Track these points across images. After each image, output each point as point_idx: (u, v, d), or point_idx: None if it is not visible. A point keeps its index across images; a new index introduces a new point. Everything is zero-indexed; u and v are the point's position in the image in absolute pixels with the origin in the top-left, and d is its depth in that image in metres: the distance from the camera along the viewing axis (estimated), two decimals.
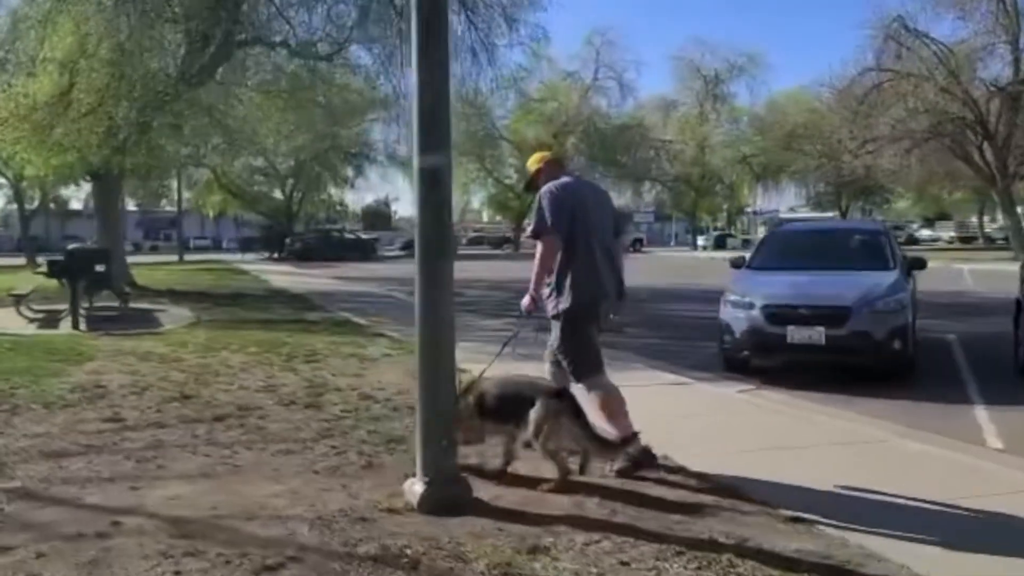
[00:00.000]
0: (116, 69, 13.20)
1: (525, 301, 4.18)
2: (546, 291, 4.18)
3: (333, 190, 42.40)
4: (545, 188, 4.22)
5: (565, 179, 4.32)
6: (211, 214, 48.09)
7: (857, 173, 28.31)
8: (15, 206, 49.79)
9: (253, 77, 18.58)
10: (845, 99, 25.96)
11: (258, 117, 20.18)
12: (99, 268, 10.25)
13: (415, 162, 3.64)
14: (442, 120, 3.63)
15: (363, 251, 35.92)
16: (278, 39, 17.96)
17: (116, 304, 11.69)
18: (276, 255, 37.13)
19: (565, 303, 4.12)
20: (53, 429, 4.79)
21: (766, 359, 7.02)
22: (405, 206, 57.61)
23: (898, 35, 23.50)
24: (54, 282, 11.40)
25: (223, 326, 10.25)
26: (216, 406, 5.46)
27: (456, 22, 18.25)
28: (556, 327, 4.21)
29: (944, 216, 57.83)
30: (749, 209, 64.67)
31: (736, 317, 7.05)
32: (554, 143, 41.91)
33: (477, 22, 17.84)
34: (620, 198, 52.63)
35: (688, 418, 5.48)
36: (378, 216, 65.59)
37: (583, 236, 4.15)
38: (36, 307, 11.29)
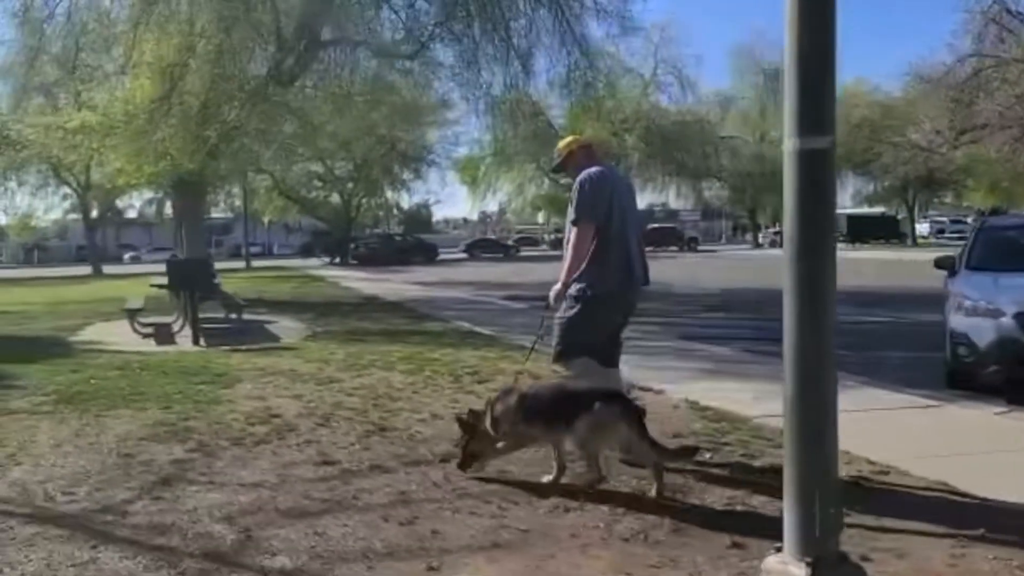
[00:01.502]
0: (220, 68, 12.68)
1: (556, 289, 4.20)
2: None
3: (390, 194, 42.06)
4: (585, 175, 4.22)
5: (600, 167, 4.33)
6: (266, 220, 48.12)
7: (956, 163, 26.90)
8: (73, 215, 50.54)
9: (334, 79, 18.08)
10: (937, 88, 24.64)
11: (337, 120, 19.73)
12: (215, 280, 9.62)
13: (787, 145, 2.84)
14: (826, 95, 2.84)
15: (426, 254, 35.43)
16: (359, 39, 17.47)
17: (223, 316, 11.16)
18: (338, 260, 36.84)
19: (595, 288, 4.12)
20: (267, 477, 4.09)
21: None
22: (445, 209, 56.78)
23: (1000, 18, 22.20)
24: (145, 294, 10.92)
25: (346, 339, 9.59)
26: (425, 441, 4.74)
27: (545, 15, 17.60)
28: (570, 304, 4.17)
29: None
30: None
31: (978, 326, 6.12)
32: (613, 142, 41.06)
33: (568, 15, 17.11)
34: (679, 197, 51.63)
35: (976, 455, 4.58)
36: (417, 219, 64.94)
37: (619, 225, 4.18)
38: (143, 321, 10.78)
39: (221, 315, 11.24)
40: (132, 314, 10.16)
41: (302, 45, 15.32)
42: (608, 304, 4.21)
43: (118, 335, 10.20)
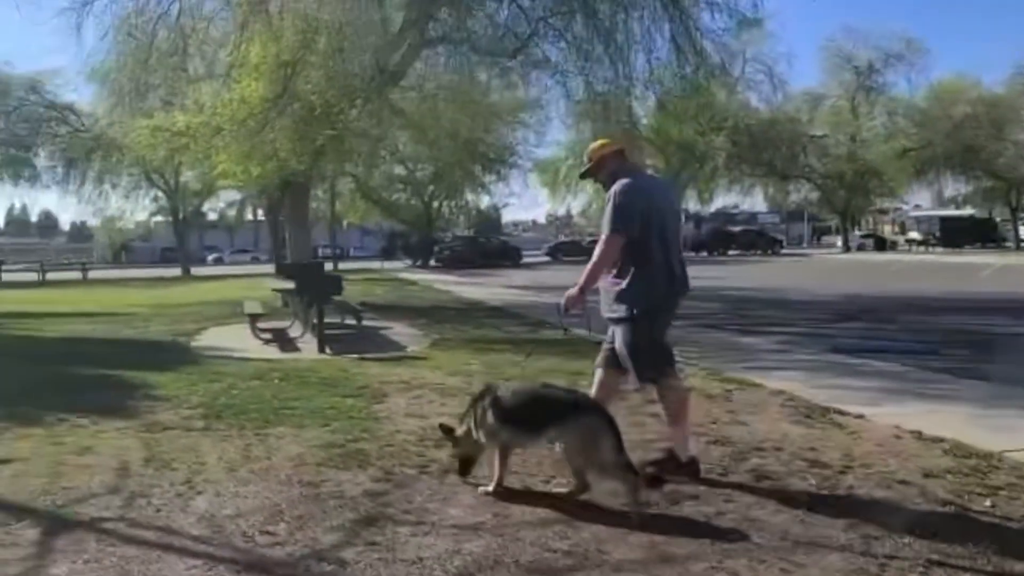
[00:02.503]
0: (332, 67, 12.40)
1: (572, 292, 4.13)
2: (613, 290, 4.13)
3: (470, 196, 41.80)
4: (618, 187, 4.12)
5: (632, 178, 4.20)
6: (345, 223, 48.45)
7: None
8: (157, 217, 51.87)
9: (435, 78, 17.77)
10: None
11: (432, 120, 19.40)
12: (334, 285, 9.26)
13: None
14: None
15: (511, 258, 34.99)
16: (461, 36, 17.05)
17: (339, 321, 10.81)
18: (422, 263, 36.74)
19: (642, 304, 4.06)
20: (481, 517, 3.57)
21: None
22: (514, 211, 55.86)
23: None
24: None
25: (474, 347, 9.11)
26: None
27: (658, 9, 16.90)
28: (626, 329, 4.10)
29: None
30: (899, 207, 60.52)
31: None
32: (700, 141, 39.98)
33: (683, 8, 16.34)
34: (766, 199, 50.03)
35: None
36: (487, 222, 64.36)
37: (657, 236, 4.09)
38: (263, 326, 10.53)
39: (336, 320, 10.91)
40: (253, 319, 9.88)
41: (407, 43, 14.97)
42: (657, 315, 4.17)
43: (238, 340, 9.96)
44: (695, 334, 10.61)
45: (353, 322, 10.30)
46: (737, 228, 49.96)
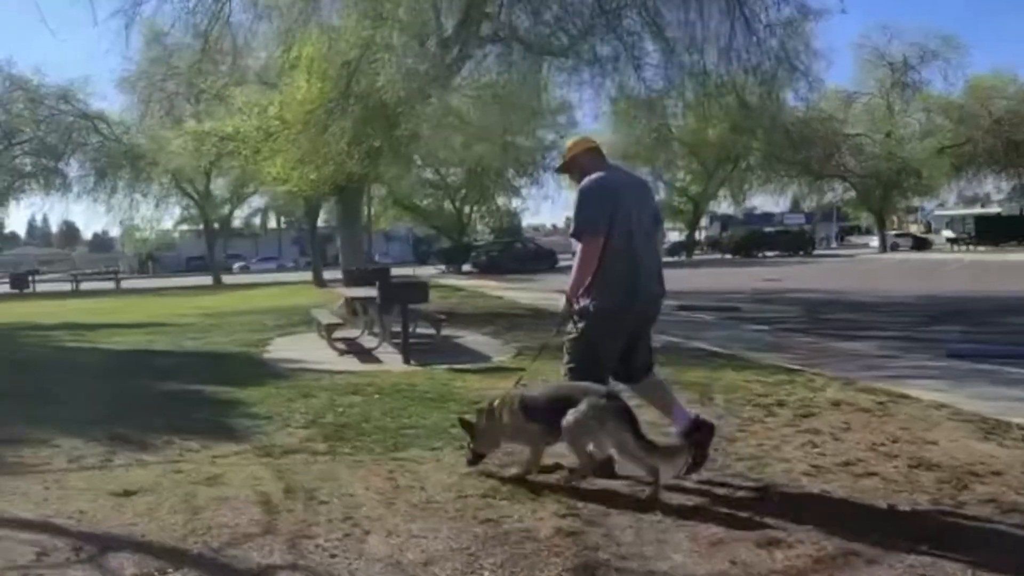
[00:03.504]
0: (393, 64, 11.96)
1: (562, 306, 4.14)
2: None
3: (501, 200, 41.29)
4: (584, 184, 4.07)
5: (602, 173, 4.11)
6: (374, 229, 48.09)
7: None
8: (183, 226, 51.78)
9: (485, 78, 17.29)
10: None
11: (476, 121, 18.92)
12: (420, 292, 8.78)
13: None
14: None
15: (546, 262, 34.46)
16: (507, 35, 16.58)
17: (412, 330, 10.33)
18: (456, 268, 36.31)
19: (595, 302, 4.00)
20: (719, 565, 3.03)
21: None
22: (531, 217, 54.85)
23: None
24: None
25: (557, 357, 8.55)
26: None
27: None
28: (577, 320, 4.07)
29: None
30: (929, 205, 59.52)
31: None
32: (736, 141, 39.34)
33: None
34: (803, 198, 49.24)
35: None
36: (507, 227, 63.50)
37: (624, 236, 3.99)
38: (337, 336, 10.07)
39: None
40: (329, 329, 9.42)
41: (462, 42, 14.52)
42: (611, 320, 4.04)
43: (311, 351, 9.51)
44: (787, 339, 10.08)
45: (430, 331, 9.82)
46: (772, 229, 49.13)
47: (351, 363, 8.64)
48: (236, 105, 15.53)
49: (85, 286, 34.85)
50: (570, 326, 4.14)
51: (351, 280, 11.14)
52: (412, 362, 8.39)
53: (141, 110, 37.15)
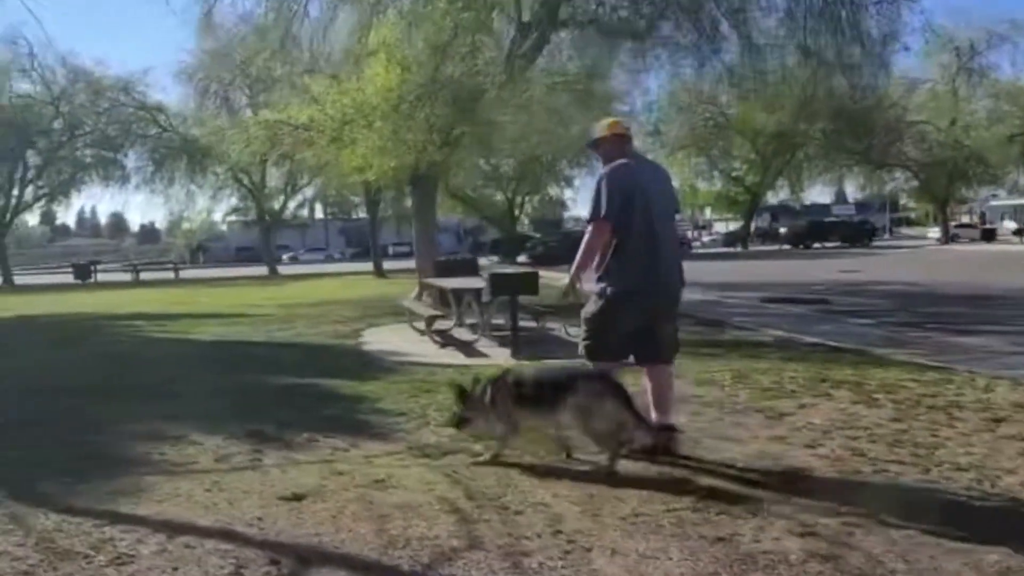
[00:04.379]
0: (476, 49, 11.64)
1: (564, 282, 4.35)
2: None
3: (554, 190, 40.81)
4: (605, 172, 4.19)
5: (624, 161, 4.19)
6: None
7: None
8: (232, 217, 52.24)
9: (555, 63, 16.89)
10: None
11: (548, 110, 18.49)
12: (530, 283, 8.42)
13: None
14: None
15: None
16: (587, 19, 16.14)
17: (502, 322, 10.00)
18: (511, 259, 35.97)
19: (612, 287, 4.13)
20: None
21: None
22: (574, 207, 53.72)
23: None
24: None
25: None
26: None
27: None
28: (594, 302, 4.21)
29: None
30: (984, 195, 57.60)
31: None
32: (795, 129, 38.32)
33: None
34: (861, 188, 48.00)
35: None
36: (548, 218, 62.71)
37: (644, 225, 4.07)
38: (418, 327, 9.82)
39: (499, 321, 10.10)
40: (431, 321, 9.13)
41: (540, 26, 14.13)
42: (627, 304, 4.13)
43: (407, 343, 9.27)
44: (900, 334, 9.54)
45: (529, 324, 9.48)
46: (833, 219, 47.90)
47: (456, 357, 8.34)
48: (311, 94, 15.30)
49: (143, 276, 35.19)
50: (590, 305, 4.28)
51: (441, 270, 10.83)
52: (521, 356, 8.05)
53: (198, 101, 37.51)
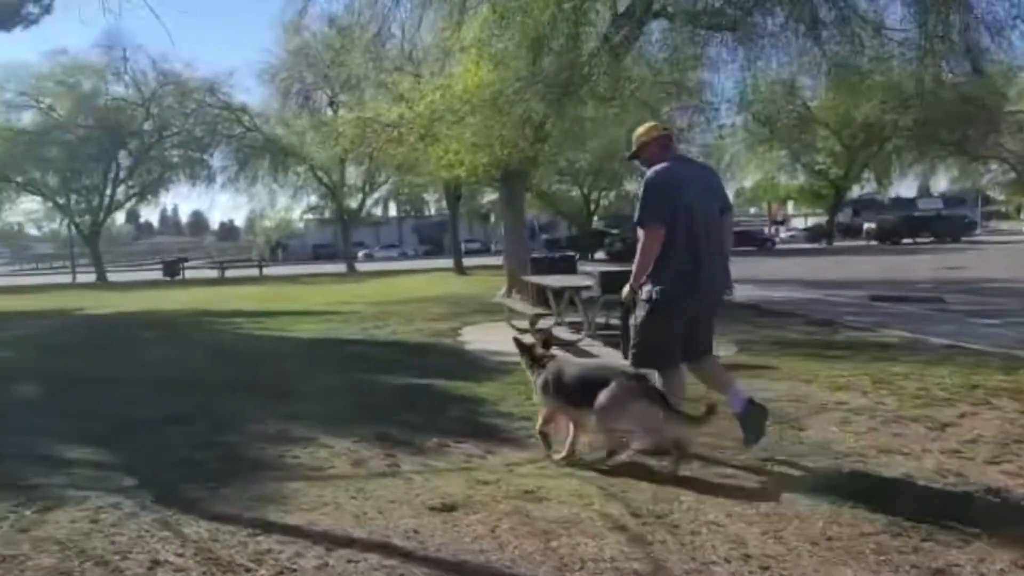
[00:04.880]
0: (570, 41, 11.37)
1: (625, 291, 4.40)
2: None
3: (630, 186, 40.08)
4: (649, 175, 4.20)
5: (667, 164, 4.20)
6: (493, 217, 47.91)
7: None
8: (309, 215, 53.22)
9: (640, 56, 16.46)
10: None
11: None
12: None
13: None
14: None
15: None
16: (678, 8, 15.66)
17: (603, 322, 9.73)
18: (588, 256, 35.63)
19: (657, 290, 4.15)
20: None
21: None
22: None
23: None
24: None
25: (800, 354, 7.74)
26: None
27: None
28: (642, 309, 4.25)
29: None
30: None
31: None
32: (885, 120, 36.73)
33: None
34: (954, 182, 45.90)
35: None
36: (619, 214, 61.37)
37: (686, 227, 4.09)
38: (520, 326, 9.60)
39: (600, 320, 9.82)
40: (535, 320, 8.92)
41: (634, 17, 13.76)
42: (672, 306, 4.17)
43: (507, 341, 9.00)
44: None
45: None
46: (927, 213, 45.82)
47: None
48: (399, 92, 15.32)
49: (228, 273, 36.16)
50: (637, 313, 4.30)
51: (539, 268, 10.61)
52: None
53: (280, 102, 38.30)
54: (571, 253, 15.79)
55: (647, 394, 3.95)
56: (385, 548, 3.22)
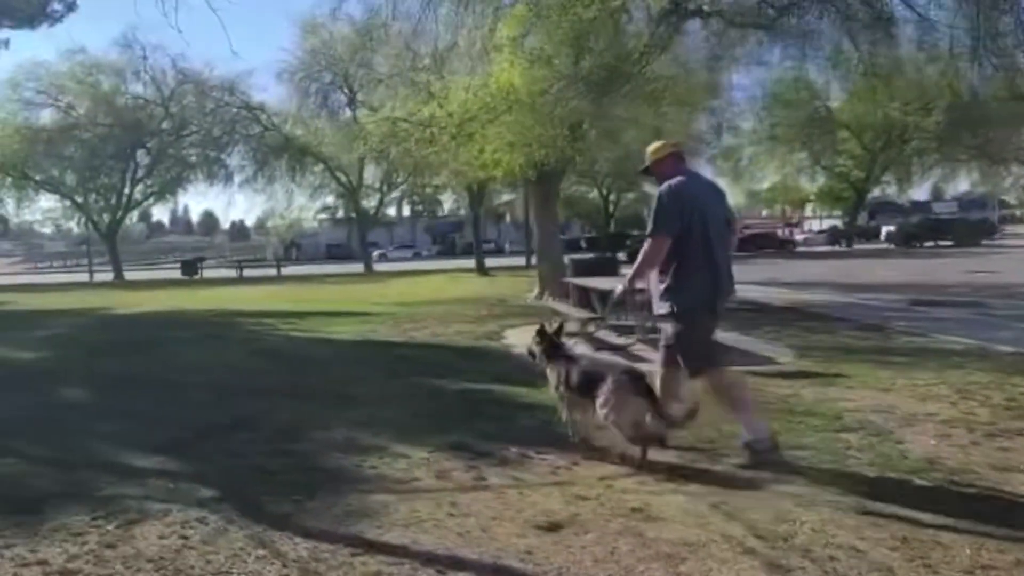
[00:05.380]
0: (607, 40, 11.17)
1: (617, 290, 4.78)
2: (659, 288, 4.41)
3: (651, 187, 39.83)
4: (664, 188, 4.33)
5: (682, 179, 4.35)
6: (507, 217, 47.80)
7: None
8: (323, 215, 53.04)
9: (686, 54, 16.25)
10: None
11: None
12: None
13: None
14: None
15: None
16: (714, 8, 15.44)
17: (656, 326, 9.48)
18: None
19: (685, 302, 4.30)
20: None
21: None
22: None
23: None
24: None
25: (865, 361, 7.48)
26: None
27: None
28: (672, 324, 4.39)
29: None
30: None
31: None
32: (907, 122, 36.37)
33: None
34: (974, 185, 45.44)
35: None
36: (630, 217, 61.03)
37: (701, 236, 4.26)
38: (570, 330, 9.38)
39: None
40: (585, 324, 8.72)
41: (671, 16, 13.52)
42: (697, 315, 4.33)
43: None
44: None
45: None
46: (950, 216, 45.30)
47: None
48: (430, 91, 15.13)
49: (246, 273, 36.05)
50: (669, 331, 4.45)
51: (580, 270, 10.40)
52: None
53: (298, 101, 38.20)
54: (610, 254, 15.58)
55: (638, 389, 4.15)
56: (498, 571, 3.03)
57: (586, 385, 4.40)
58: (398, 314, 13.24)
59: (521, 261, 38.53)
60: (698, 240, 4.24)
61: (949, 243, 38.12)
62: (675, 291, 4.33)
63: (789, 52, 16.98)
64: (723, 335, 9.60)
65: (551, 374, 4.72)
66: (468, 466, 4.38)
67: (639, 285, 4.58)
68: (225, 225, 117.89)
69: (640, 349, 8.55)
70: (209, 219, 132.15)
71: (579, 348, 4.83)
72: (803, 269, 25.28)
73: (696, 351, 4.35)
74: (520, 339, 9.61)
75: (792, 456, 4.39)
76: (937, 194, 69.21)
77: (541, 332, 4.89)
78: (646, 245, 4.36)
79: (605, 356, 5.42)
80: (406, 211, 74.04)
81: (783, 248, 39.53)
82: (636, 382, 4.21)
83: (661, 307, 4.45)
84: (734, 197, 58.25)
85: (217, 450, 4.80)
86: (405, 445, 4.79)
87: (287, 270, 39.19)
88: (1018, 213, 72.06)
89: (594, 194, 39.75)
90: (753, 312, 12.11)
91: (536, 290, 14.70)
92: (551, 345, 4.81)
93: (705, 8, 15.45)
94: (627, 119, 14.48)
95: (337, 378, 7.19)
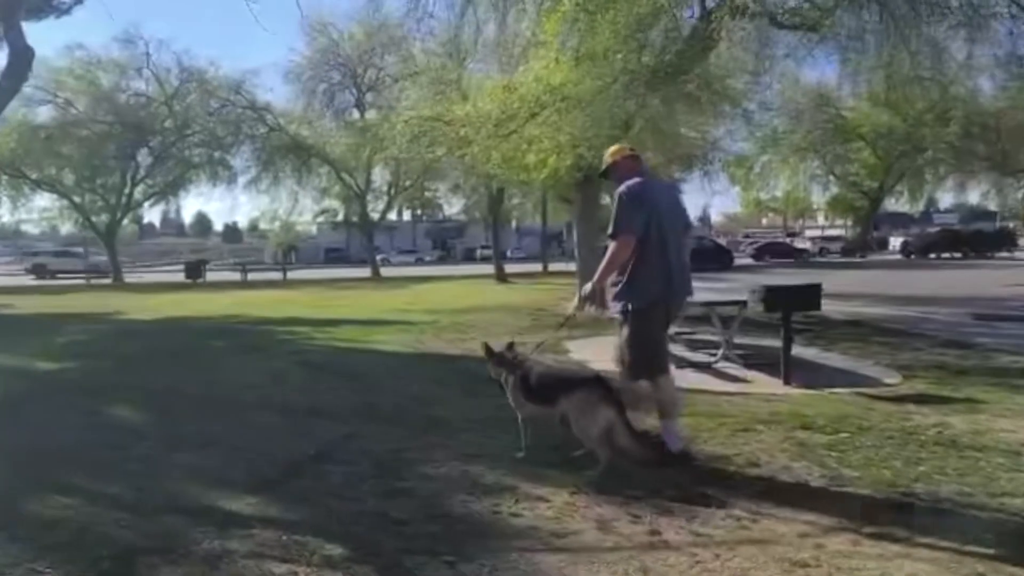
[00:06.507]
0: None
1: (586, 288, 4.52)
2: (613, 290, 4.45)
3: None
4: (624, 189, 4.40)
5: (639, 179, 4.43)
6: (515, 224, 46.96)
7: None
8: (320, 219, 52.14)
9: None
10: None
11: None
12: (812, 298, 7.24)
13: None
14: None
15: (722, 261, 32.22)
16: (758, 8, 14.84)
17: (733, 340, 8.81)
18: None
19: (636, 301, 4.39)
20: None
21: None
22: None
23: None
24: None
25: (976, 382, 6.84)
26: None
27: None
28: (622, 323, 4.46)
29: None
30: None
31: None
32: (924, 133, 35.96)
33: None
34: (989, 197, 45.09)
35: None
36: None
37: (657, 238, 4.33)
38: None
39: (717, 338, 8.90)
40: (675, 336, 8.02)
41: (718, 15, 12.93)
42: (650, 315, 4.39)
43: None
44: None
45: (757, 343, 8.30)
46: (967, 228, 44.90)
47: (709, 381, 7.21)
48: (462, 91, 14.48)
49: (250, 276, 35.15)
50: (623, 330, 4.46)
51: None
52: (793, 383, 6.88)
53: (304, 101, 37.45)
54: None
55: (609, 401, 4.00)
56: None
57: (547, 394, 4.25)
58: (437, 323, 12.52)
59: (531, 267, 37.92)
60: (653, 241, 4.31)
61: (959, 255, 37.73)
62: (628, 290, 4.39)
63: (833, 55, 16.43)
64: (802, 351, 8.98)
65: (513, 392, 4.47)
66: (627, 513, 3.69)
67: (608, 285, 4.49)
68: (218, 227, 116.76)
69: (724, 366, 7.92)
70: (201, 221, 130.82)
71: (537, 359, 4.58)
72: (831, 280, 24.68)
73: (644, 352, 4.39)
74: (591, 353, 8.90)
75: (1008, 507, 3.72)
76: (931, 205, 69.24)
77: (490, 352, 4.63)
78: (612, 246, 4.34)
79: (565, 365, 5.43)
80: (406, 215, 73.32)
81: (799, 257, 39.00)
82: (606, 392, 4.06)
83: (614, 307, 4.49)
84: (740, 206, 57.88)
85: (317, 489, 4.08)
86: (535, 484, 4.10)
87: (290, 274, 38.32)
88: (1011, 225, 71.99)
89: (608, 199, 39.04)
90: (817, 325, 11.44)
91: (576, 299, 14.03)
92: (509, 362, 4.53)
93: (751, 6, 14.92)
94: (680, 117, 13.86)
95: (410, 396, 6.47)
